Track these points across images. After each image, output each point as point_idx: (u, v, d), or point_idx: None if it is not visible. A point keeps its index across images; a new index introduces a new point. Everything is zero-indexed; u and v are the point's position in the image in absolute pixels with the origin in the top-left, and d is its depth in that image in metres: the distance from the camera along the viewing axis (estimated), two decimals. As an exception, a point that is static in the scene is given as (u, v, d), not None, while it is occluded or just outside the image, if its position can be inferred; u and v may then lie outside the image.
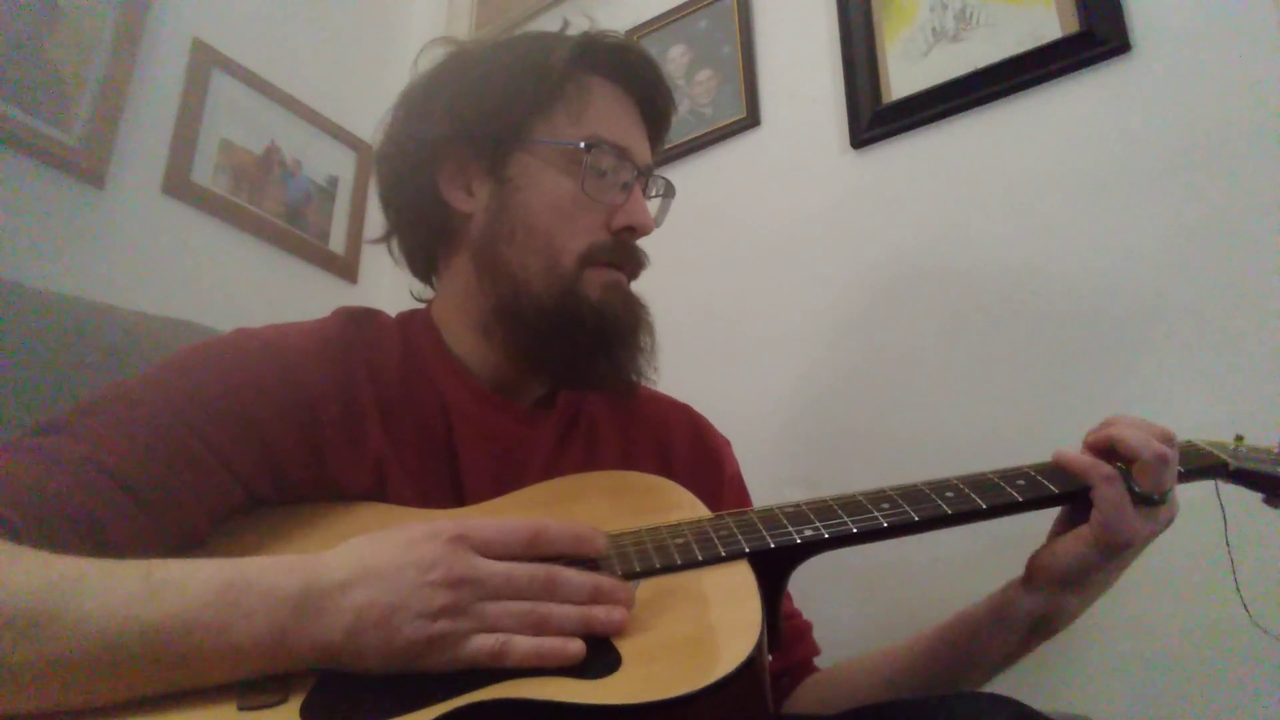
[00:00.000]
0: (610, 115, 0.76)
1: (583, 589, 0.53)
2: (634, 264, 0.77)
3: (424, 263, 0.82)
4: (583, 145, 0.73)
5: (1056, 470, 0.66)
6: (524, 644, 0.49)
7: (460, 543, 0.51)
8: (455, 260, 0.78)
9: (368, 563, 0.50)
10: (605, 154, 0.73)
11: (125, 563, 0.49)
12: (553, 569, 0.53)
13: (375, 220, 0.85)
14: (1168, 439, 0.63)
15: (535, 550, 0.54)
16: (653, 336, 0.77)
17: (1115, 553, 0.62)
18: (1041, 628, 0.67)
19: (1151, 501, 0.62)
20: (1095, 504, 0.62)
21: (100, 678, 0.46)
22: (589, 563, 0.57)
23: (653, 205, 0.82)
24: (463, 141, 0.74)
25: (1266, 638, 0.71)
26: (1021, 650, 0.69)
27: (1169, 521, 0.64)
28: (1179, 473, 0.66)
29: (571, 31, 0.78)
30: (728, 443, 0.90)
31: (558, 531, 0.55)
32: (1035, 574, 0.66)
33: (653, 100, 0.80)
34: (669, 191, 0.84)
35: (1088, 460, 0.63)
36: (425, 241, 0.80)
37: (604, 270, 0.74)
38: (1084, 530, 0.63)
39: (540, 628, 0.50)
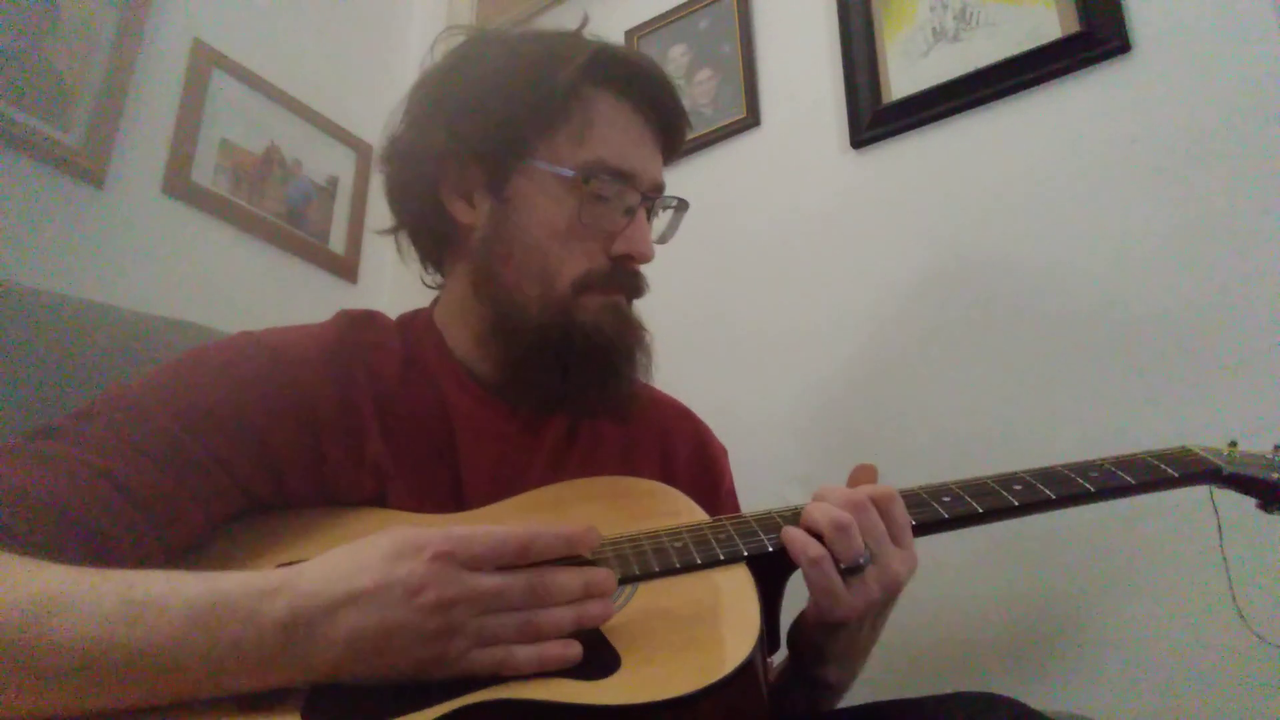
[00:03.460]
0: (616, 136, 0.74)
1: (573, 589, 0.52)
2: (633, 289, 0.75)
3: (430, 260, 0.82)
4: (582, 177, 0.71)
5: (1052, 474, 0.66)
6: (525, 654, 0.49)
7: (448, 560, 0.49)
8: (458, 267, 0.78)
9: (353, 581, 0.48)
10: (606, 183, 0.71)
11: (109, 576, 0.49)
12: (543, 573, 0.52)
13: (375, 220, 0.86)
14: (853, 504, 0.60)
15: (526, 562, 0.52)
16: (650, 357, 0.76)
17: (837, 629, 0.61)
18: (817, 701, 0.69)
19: (855, 570, 0.59)
20: (808, 587, 0.60)
21: (84, 692, 0.46)
22: (582, 560, 0.57)
23: (663, 219, 0.80)
24: (465, 153, 0.73)
25: (1260, 641, 0.71)
26: (826, 703, 0.71)
27: (890, 587, 0.60)
28: (1172, 478, 0.66)
29: (587, 32, 0.77)
30: (725, 452, 0.90)
31: (549, 540, 0.53)
32: (790, 649, 0.67)
33: (665, 116, 0.78)
34: (681, 206, 0.82)
35: (799, 542, 0.60)
36: (428, 245, 0.80)
37: (600, 295, 0.73)
38: (809, 608, 0.62)
39: (536, 635, 0.50)
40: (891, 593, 0.61)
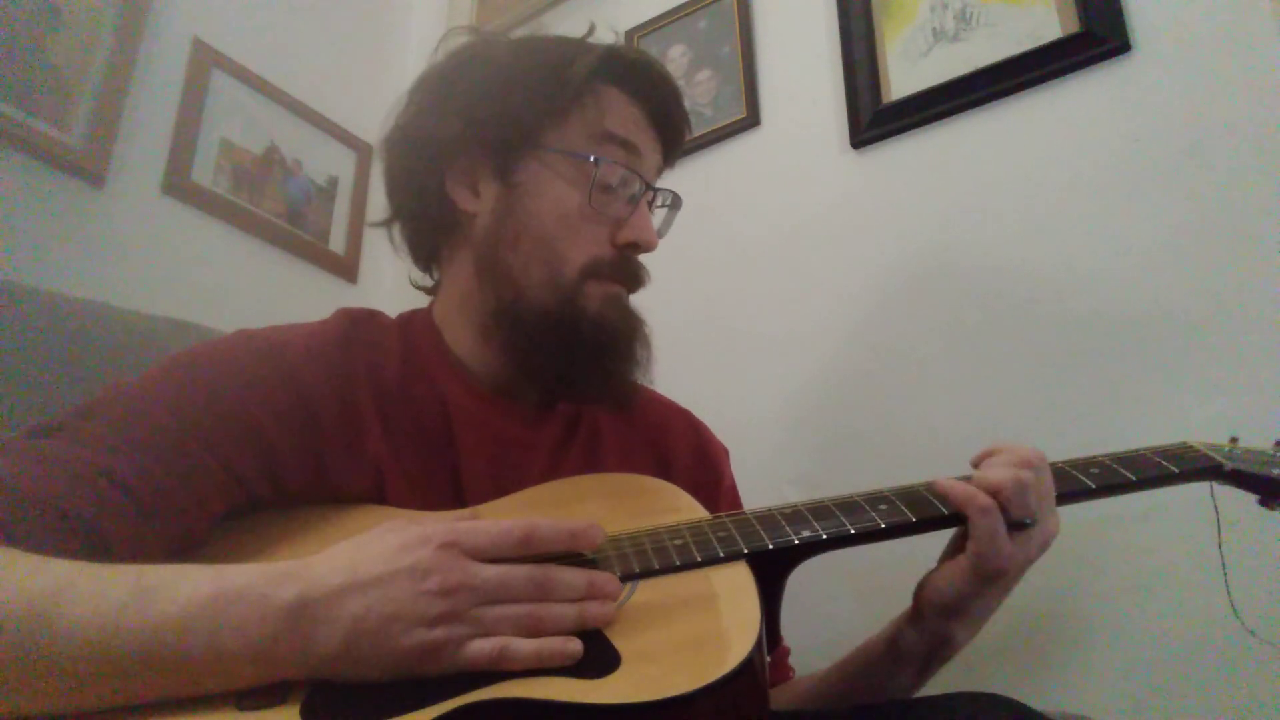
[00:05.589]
0: (626, 130, 0.76)
1: (577, 587, 0.53)
2: (634, 279, 0.76)
3: (425, 254, 0.82)
4: (592, 159, 0.73)
5: (1054, 470, 0.66)
6: (524, 647, 0.49)
7: (453, 548, 0.51)
8: (457, 258, 0.78)
9: (360, 570, 0.49)
10: (614, 168, 0.74)
11: (116, 568, 0.49)
12: (547, 569, 0.52)
13: (376, 217, 0.86)
14: (1029, 463, 0.63)
15: (528, 552, 0.53)
16: (649, 349, 0.77)
17: (990, 581, 0.63)
18: (933, 658, 0.69)
19: (1023, 526, 0.62)
20: (971, 534, 0.62)
21: (92, 684, 0.46)
22: (584, 559, 0.57)
23: (658, 216, 0.81)
24: (474, 141, 0.74)
25: (1254, 638, 0.71)
26: (919, 680, 0.71)
27: (1044, 546, 0.64)
28: (1173, 474, 0.66)
29: (594, 38, 0.78)
30: (726, 451, 0.90)
31: (551, 531, 0.54)
32: (919, 603, 0.67)
33: (669, 120, 0.80)
34: (675, 203, 0.84)
35: (965, 491, 0.63)
36: (427, 235, 0.80)
37: (605, 284, 0.74)
38: (961, 559, 0.63)
39: (537, 629, 0.50)
40: (1041, 552, 0.64)
